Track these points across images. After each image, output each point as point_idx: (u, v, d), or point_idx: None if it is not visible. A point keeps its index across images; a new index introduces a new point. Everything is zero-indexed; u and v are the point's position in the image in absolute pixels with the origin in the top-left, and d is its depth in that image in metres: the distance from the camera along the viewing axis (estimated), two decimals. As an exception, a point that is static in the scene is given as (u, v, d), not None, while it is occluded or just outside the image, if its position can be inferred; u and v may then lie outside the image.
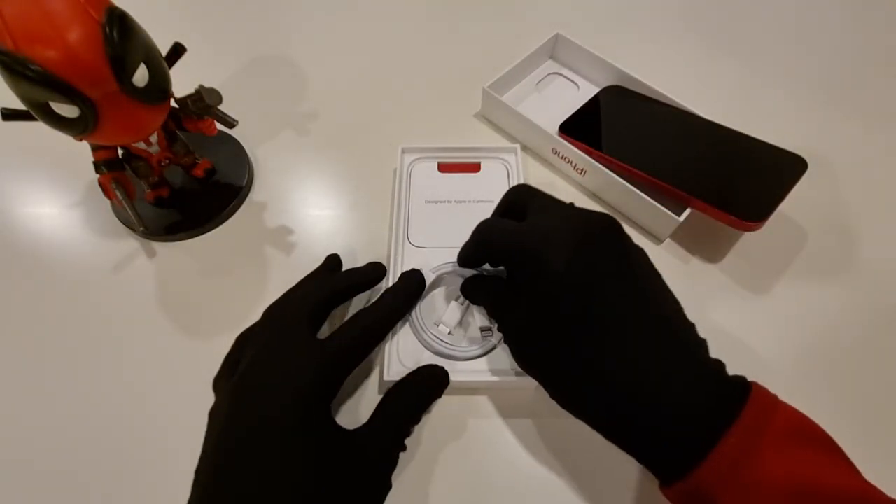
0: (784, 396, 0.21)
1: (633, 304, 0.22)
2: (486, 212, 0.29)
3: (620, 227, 0.24)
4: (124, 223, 0.37)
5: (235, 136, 0.41)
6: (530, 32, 0.45)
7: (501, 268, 0.30)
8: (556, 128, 0.39)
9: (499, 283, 0.28)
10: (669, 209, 0.34)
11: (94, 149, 0.32)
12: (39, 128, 0.28)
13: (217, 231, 0.37)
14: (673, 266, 0.35)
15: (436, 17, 0.51)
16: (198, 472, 0.23)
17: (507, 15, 0.51)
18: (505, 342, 0.27)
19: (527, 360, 0.25)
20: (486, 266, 0.30)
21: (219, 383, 0.26)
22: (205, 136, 0.35)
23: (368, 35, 0.50)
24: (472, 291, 0.30)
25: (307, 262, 0.32)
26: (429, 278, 0.30)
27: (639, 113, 0.40)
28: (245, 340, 0.27)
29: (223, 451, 0.22)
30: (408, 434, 0.25)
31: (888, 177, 0.39)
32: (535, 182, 0.39)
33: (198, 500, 0.22)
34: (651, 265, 0.24)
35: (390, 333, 0.30)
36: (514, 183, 0.37)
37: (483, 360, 0.30)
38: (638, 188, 0.35)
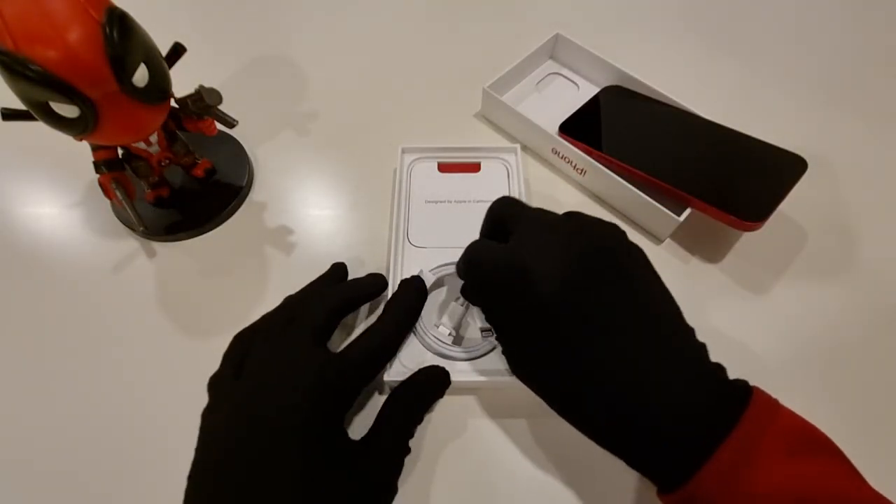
0: (784, 396, 0.21)
1: (634, 305, 0.22)
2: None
3: (621, 238, 0.24)
4: (124, 223, 0.37)
5: (235, 136, 0.41)
6: (530, 32, 0.45)
7: None
8: (556, 128, 0.39)
9: None
10: (669, 209, 0.34)
11: (94, 149, 0.32)
12: (39, 128, 0.28)
13: (217, 231, 0.37)
14: (673, 266, 0.35)
15: (436, 17, 0.51)
16: (193, 473, 0.23)
17: (507, 15, 0.51)
18: (502, 351, 0.26)
19: (525, 362, 0.24)
20: None
21: (217, 383, 0.26)
22: (205, 136, 0.35)
23: (368, 35, 0.50)
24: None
25: (307, 262, 0.32)
26: (429, 279, 0.31)
27: (639, 113, 0.40)
28: (244, 340, 0.27)
29: (224, 450, 0.22)
30: (411, 436, 0.26)
31: (888, 177, 0.39)
32: (535, 182, 0.40)
33: (196, 498, 0.22)
34: (651, 268, 0.24)
35: None
36: (515, 183, 0.37)
37: (483, 360, 0.30)
38: (638, 188, 0.35)
